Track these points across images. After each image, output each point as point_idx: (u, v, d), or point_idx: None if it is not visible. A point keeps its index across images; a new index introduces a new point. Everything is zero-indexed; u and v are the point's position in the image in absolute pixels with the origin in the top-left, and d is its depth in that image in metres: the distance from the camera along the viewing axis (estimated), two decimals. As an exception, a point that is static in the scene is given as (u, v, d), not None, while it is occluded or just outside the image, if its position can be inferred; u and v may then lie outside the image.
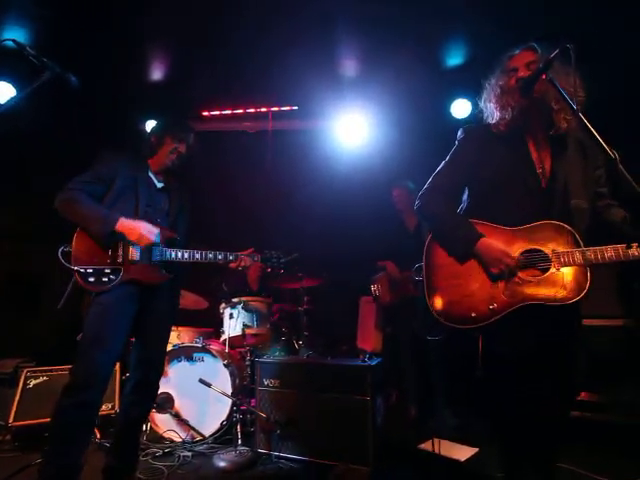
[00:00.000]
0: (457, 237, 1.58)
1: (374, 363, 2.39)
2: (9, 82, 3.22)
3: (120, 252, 1.89)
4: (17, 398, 2.69)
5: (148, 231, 1.88)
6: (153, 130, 2.17)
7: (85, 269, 1.80)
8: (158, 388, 2.06)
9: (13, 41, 1.40)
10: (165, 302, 2.03)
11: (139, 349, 2.01)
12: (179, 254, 1.97)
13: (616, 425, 2.51)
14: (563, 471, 1.98)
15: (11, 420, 2.64)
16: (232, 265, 2.06)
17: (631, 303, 2.70)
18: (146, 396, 2.02)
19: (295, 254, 2.21)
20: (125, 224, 1.85)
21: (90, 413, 1.76)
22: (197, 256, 1.99)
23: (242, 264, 2.07)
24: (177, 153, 2.08)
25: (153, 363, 2.01)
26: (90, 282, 1.81)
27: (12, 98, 1.46)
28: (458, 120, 3.80)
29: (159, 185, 2.10)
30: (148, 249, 1.93)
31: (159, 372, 2.05)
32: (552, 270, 1.45)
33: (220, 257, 2.03)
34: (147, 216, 1.96)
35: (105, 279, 1.83)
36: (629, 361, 2.57)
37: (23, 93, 1.41)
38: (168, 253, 1.97)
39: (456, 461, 2.36)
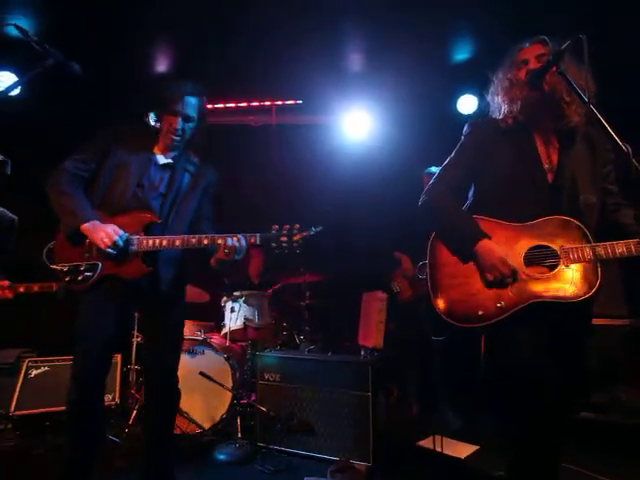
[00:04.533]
0: (459, 236, 1.55)
1: (375, 359, 2.38)
2: (12, 71, 3.20)
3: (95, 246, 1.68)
4: (18, 388, 2.70)
5: (106, 234, 1.62)
6: (146, 106, 1.88)
7: (62, 268, 1.66)
8: (170, 394, 1.83)
9: (15, 26, 1.38)
10: (161, 301, 1.78)
11: (144, 354, 1.90)
12: (157, 242, 1.68)
13: (620, 426, 2.49)
14: (567, 471, 1.96)
15: (12, 409, 2.65)
16: (221, 254, 1.69)
17: (637, 303, 2.67)
18: (158, 407, 1.81)
19: (318, 227, 1.67)
20: (89, 227, 1.63)
21: (86, 409, 1.66)
22: (177, 242, 1.69)
23: (230, 248, 1.66)
24: (173, 130, 1.81)
25: (157, 368, 1.82)
26: (68, 282, 1.67)
27: (14, 84, 1.44)
28: (465, 116, 3.77)
29: (162, 161, 1.85)
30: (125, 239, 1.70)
31: (165, 378, 1.81)
32: (561, 267, 1.41)
33: (206, 242, 1.70)
34: (136, 198, 1.75)
35: (80, 277, 1.66)
36: (633, 361, 2.55)
37: (25, 79, 1.39)
38: (138, 241, 1.69)
39: (456, 459, 2.35)
